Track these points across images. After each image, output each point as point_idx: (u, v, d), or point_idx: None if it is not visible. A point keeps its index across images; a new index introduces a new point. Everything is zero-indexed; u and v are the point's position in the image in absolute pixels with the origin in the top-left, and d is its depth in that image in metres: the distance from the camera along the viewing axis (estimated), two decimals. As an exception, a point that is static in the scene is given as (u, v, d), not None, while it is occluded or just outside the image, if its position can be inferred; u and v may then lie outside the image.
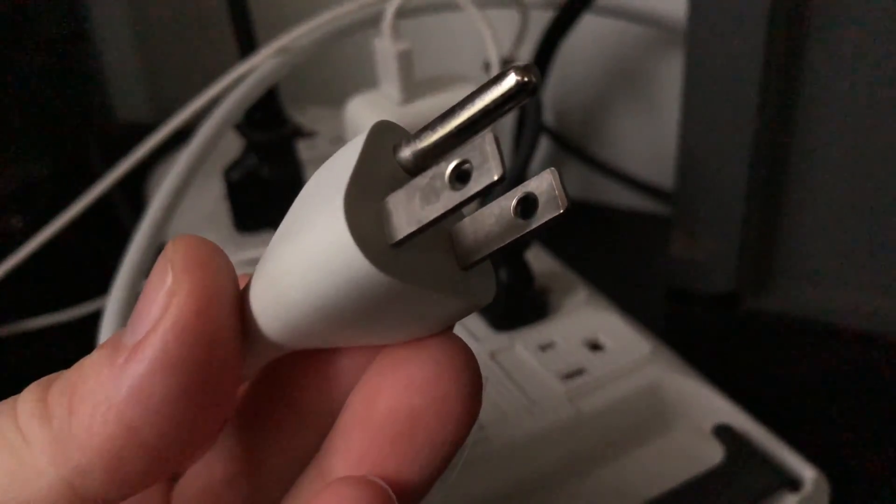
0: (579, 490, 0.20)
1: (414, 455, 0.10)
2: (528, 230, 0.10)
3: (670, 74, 0.37)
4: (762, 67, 0.26)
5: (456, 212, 0.09)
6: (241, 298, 0.10)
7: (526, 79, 0.09)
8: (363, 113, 0.27)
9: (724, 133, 0.27)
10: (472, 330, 0.23)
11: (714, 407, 0.21)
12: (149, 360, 0.09)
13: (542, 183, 0.10)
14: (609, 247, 0.36)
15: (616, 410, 0.21)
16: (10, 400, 0.10)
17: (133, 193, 0.34)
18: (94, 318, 0.30)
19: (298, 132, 0.29)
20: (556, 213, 0.10)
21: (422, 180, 0.10)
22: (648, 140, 0.40)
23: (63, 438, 0.10)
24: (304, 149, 0.35)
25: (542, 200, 0.10)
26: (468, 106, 0.09)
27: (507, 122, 0.35)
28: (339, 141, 0.35)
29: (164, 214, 0.23)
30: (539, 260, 0.26)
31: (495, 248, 0.10)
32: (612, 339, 0.23)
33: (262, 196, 0.29)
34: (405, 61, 0.25)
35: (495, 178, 0.09)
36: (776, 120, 0.27)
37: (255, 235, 0.30)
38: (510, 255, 0.23)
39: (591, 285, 0.25)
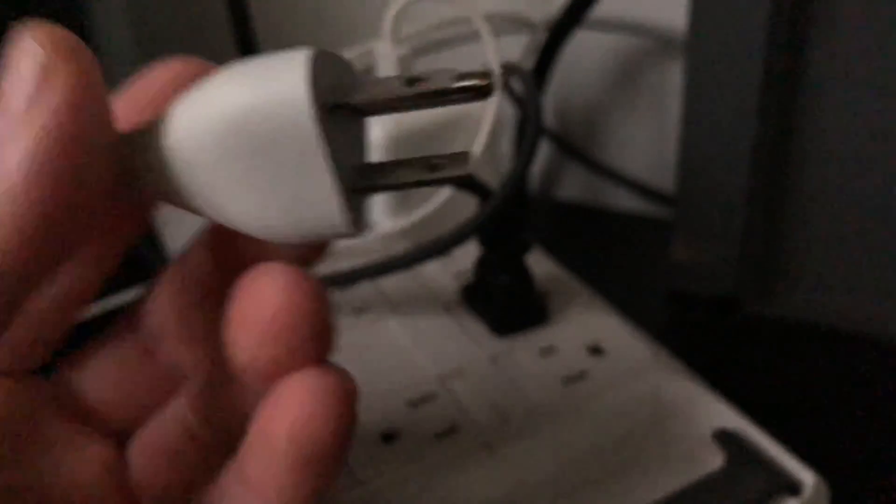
0: (579, 496, 0.20)
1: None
2: (426, 179, 0.11)
3: (671, 79, 0.37)
4: (762, 73, 0.26)
5: (396, 105, 0.11)
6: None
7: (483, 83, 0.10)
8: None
9: (725, 138, 0.27)
10: (473, 335, 0.23)
11: (714, 411, 0.21)
12: (43, 134, 0.09)
13: (458, 156, 0.11)
14: (610, 250, 0.36)
15: (617, 415, 0.21)
16: None
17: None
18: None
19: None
20: (460, 174, 0.11)
21: (377, 79, 0.11)
22: (650, 144, 0.40)
23: None
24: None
25: (448, 165, 0.11)
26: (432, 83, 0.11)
27: (508, 124, 0.35)
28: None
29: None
30: (539, 264, 0.27)
31: (394, 183, 0.11)
32: (613, 344, 0.23)
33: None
34: (406, 66, 0.26)
35: (446, 87, 0.10)
36: (776, 125, 0.27)
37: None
38: (510, 260, 0.24)
39: (592, 289, 0.25)
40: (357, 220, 0.11)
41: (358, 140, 0.12)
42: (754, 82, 0.26)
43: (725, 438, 0.20)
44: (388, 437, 0.20)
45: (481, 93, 0.10)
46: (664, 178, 0.38)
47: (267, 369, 0.11)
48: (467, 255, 0.27)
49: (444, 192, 0.25)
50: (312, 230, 0.11)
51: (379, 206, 0.28)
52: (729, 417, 0.21)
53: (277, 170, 0.10)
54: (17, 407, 0.12)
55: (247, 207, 0.10)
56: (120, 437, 0.13)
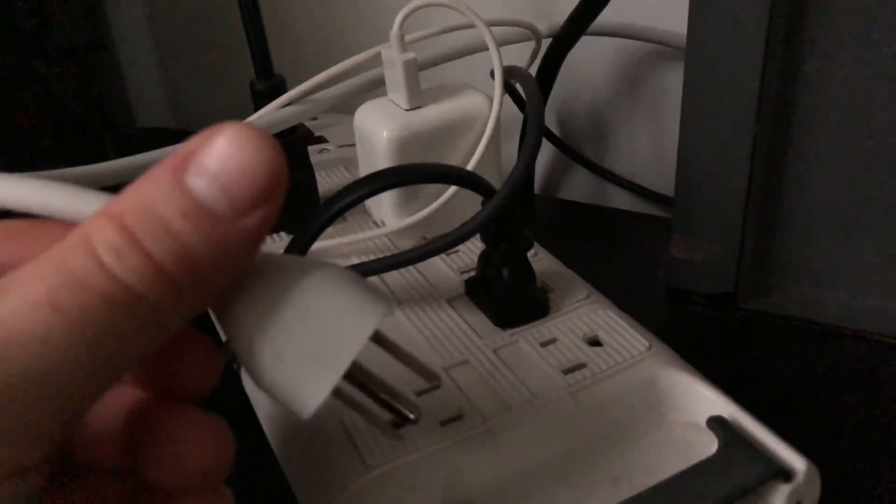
0: (579, 480, 0.20)
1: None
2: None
3: (672, 84, 0.38)
4: (759, 77, 0.26)
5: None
6: None
7: None
8: (372, 119, 0.28)
9: (723, 139, 0.28)
10: (477, 327, 0.24)
11: (709, 400, 0.21)
12: (249, 234, 0.11)
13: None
14: (610, 247, 0.37)
15: (615, 404, 0.21)
16: (75, 239, 0.11)
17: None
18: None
19: (311, 137, 0.30)
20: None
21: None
22: (650, 147, 0.41)
23: (190, 290, 0.12)
24: (313, 154, 0.36)
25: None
26: None
27: (513, 125, 0.36)
28: (348, 146, 0.36)
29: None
30: (541, 260, 0.27)
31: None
32: (611, 336, 0.23)
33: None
34: (411, 70, 0.26)
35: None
36: (773, 128, 0.28)
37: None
38: (513, 256, 0.24)
39: (591, 285, 0.26)
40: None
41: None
42: (751, 87, 0.27)
43: (720, 426, 0.21)
44: (396, 424, 0.21)
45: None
46: (664, 179, 0.39)
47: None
48: (471, 251, 0.28)
49: (450, 191, 0.26)
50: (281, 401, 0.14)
51: (386, 205, 0.28)
52: (723, 406, 0.21)
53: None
54: None
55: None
56: None
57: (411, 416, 0.16)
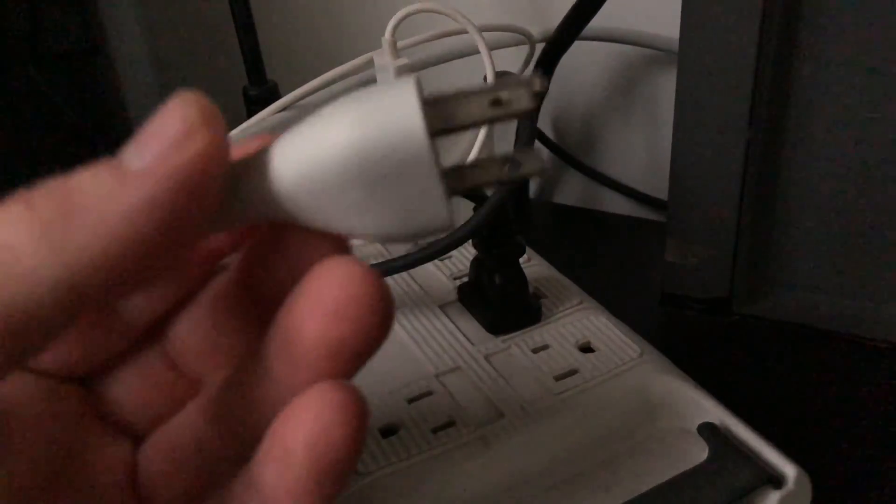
0: (570, 486, 0.20)
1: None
2: (508, 176, 0.12)
3: (665, 89, 0.38)
4: (752, 82, 0.26)
5: (487, 123, 0.12)
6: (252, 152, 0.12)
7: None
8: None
9: (717, 144, 0.28)
10: (469, 333, 0.24)
11: (700, 407, 0.21)
12: (168, 178, 0.11)
13: (528, 150, 0.12)
14: (605, 252, 0.37)
15: (606, 410, 0.22)
16: None
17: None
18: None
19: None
20: (536, 171, 0.12)
21: (464, 99, 0.12)
22: (644, 151, 0.41)
23: (58, 240, 0.10)
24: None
25: (522, 159, 0.12)
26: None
27: (507, 131, 0.36)
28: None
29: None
30: (533, 266, 0.27)
31: (480, 182, 0.12)
32: (603, 342, 0.24)
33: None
34: (403, 75, 0.26)
35: (527, 106, 0.12)
36: (765, 133, 0.28)
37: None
38: (505, 262, 0.24)
39: (586, 289, 0.26)
40: (452, 217, 0.12)
41: (440, 148, 0.13)
42: (744, 91, 0.27)
43: (710, 432, 0.21)
44: (388, 431, 0.21)
45: (542, 97, 0.12)
46: (658, 183, 0.39)
47: (332, 347, 0.11)
48: (464, 256, 0.28)
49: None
50: (420, 231, 0.12)
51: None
52: (714, 412, 0.21)
53: (394, 189, 0.11)
54: (55, 409, 0.13)
55: (364, 221, 0.12)
56: (139, 443, 0.14)
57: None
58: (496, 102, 0.12)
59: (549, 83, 0.12)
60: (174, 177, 0.11)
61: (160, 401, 0.14)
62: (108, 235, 0.10)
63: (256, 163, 0.12)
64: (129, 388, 0.14)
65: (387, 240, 0.12)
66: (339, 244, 0.13)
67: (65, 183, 0.11)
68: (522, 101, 0.12)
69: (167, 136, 0.11)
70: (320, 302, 0.11)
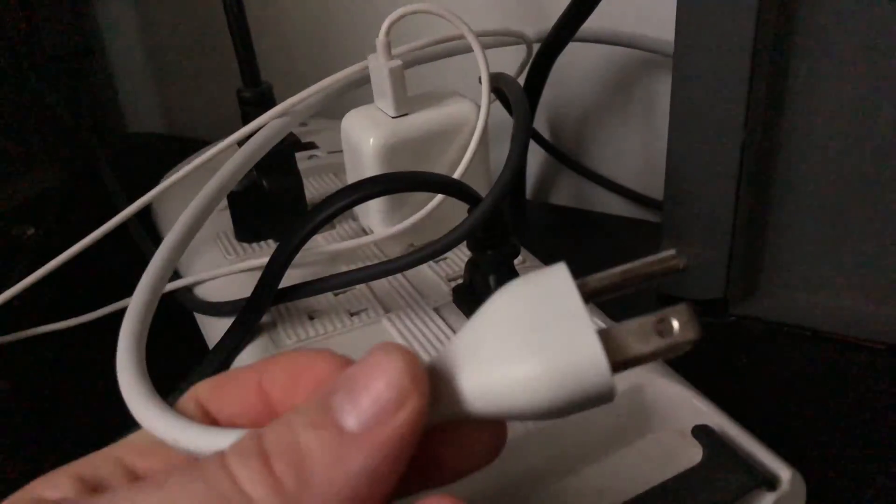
0: (564, 488, 0.20)
1: None
2: (664, 346, 0.13)
3: (660, 90, 0.38)
4: (747, 83, 0.26)
5: (659, 356, 0.13)
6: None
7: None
8: (358, 126, 0.28)
9: (712, 145, 0.28)
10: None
11: (694, 409, 0.21)
12: (385, 444, 0.12)
13: (680, 312, 0.13)
14: (600, 252, 0.37)
15: (600, 412, 0.21)
16: (214, 457, 0.12)
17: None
18: (105, 323, 0.31)
19: (298, 144, 0.30)
20: (691, 339, 0.13)
21: (632, 324, 0.13)
22: (640, 152, 0.41)
23: (294, 501, 0.12)
24: (303, 160, 0.36)
25: (679, 323, 0.13)
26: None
27: (503, 131, 0.36)
28: (337, 153, 0.36)
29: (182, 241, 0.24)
30: (528, 267, 0.27)
31: (641, 359, 0.13)
32: (598, 344, 0.23)
33: (262, 207, 0.30)
34: (397, 77, 0.26)
35: (694, 337, 0.13)
36: (762, 133, 0.28)
37: (255, 245, 0.31)
38: (500, 263, 0.24)
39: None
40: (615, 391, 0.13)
41: None
42: (739, 93, 0.27)
43: (704, 434, 0.21)
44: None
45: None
46: (653, 184, 0.39)
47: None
48: (459, 258, 0.28)
49: (436, 199, 0.26)
50: (588, 408, 0.13)
51: (374, 213, 0.28)
52: (708, 414, 0.21)
53: (573, 406, 0.13)
54: None
55: (539, 420, 0.13)
56: None
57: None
58: (663, 332, 0.13)
59: (684, 259, 0.13)
60: (390, 442, 0.12)
61: None
62: (335, 496, 0.12)
63: (443, 387, 0.13)
64: None
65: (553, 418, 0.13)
66: (502, 429, 0.14)
67: (296, 444, 0.12)
68: (689, 332, 0.12)
69: (381, 400, 0.12)
70: None
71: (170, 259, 0.23)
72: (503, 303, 0.13)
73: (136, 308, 0.21)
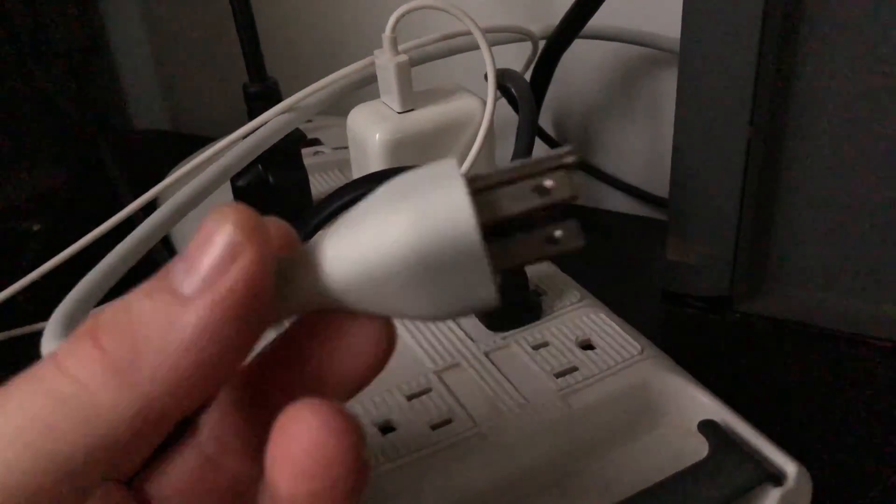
0: (570, 483, 0.20)
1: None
2: (549, 253, 0.12)
3: (666, 87, 0.38)
4: (753, 81, 0.26)
5: (533, 212, 0.12)
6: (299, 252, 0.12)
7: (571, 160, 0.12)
8: (364, 121, 0.28)
9: (717, 142, 0.28)
10: (469, 330, 0.24)
11: (700, 404, 0.21)
12: (221, 301, 0.11)
13: (568, 226, 0.12)
14: (606, 250, 0.37)
15: (606, 407, 0.21)
16: (46, 359, 0.12)
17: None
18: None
19: (304, 139, 0.30)
20: (567, 196, 0.12)
21: (510, 189, 0.12)
22: (645, 149, 0.41)
23: (129, 375, 0.11)
24: (309, 156, 0.36)
25: (563, 237, 0.12)
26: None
27: (509, 127, 0.36)
28: (343, 148, 0.36)
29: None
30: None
31: (522, 261, 0.13)
32: (604, 340, 0.23)
33: (268, 202, 0.30)
34: (404, 72, 0.26)
35: (571, 194, 0.12)
36: (768, 130, 0.28)
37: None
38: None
39: (584, 288, 0.26)
40: (500, 294, 0.12)
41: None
42: (745, 90, 0.27)
43: (710, 429, 0.21)
44: (387, 428, 0.21)
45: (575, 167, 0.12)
46: (659, 182, 0.39)
47: (305, 500, 0.12)
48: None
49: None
50: (469, 310, 0.13)
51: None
52: (714, 409, 0.21)
53: (447, 278, 0.12)
54: None
55: (415, 307, 0.12)
56: None
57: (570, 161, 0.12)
58: (542, 191, 0.12)
59: (578, 154, 0.12)
60: (226, 300, 0.11)
61: (203, 495, 0.14)
62: (173, 364, 0.11)
63: (306, 261, 0.12)
64: (171, 485, 0.14)
65: (434, 319, 0.13)
66: (383, 327, 0.13)
67: (127, 315, 0.11)
68: (565, 190, 0.12)
69: (213, 259, 0.11)
70: (289, 459, 0.11)
71: (151, 231, 0.23)
72: (380, 189, 0.12)
73: (102, 265, 0.21)
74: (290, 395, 0.12)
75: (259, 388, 0.14)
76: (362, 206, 0.12)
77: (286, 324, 0.14)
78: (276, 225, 0.13)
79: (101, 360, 0.11)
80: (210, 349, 0.11)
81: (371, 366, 0.13)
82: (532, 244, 0.12)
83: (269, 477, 0.12)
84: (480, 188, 0.12)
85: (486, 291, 0.12)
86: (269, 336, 0.13)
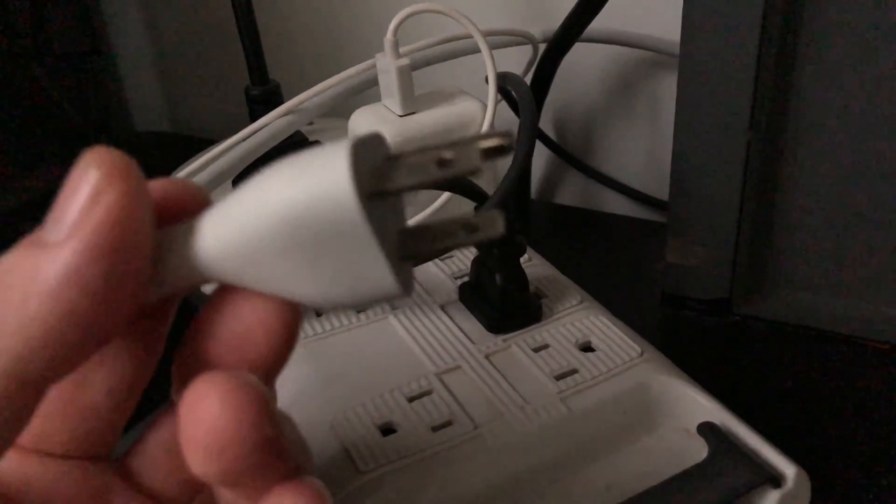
0: (570, 485, 0.21)
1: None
2: (465, 241, 0.12)
3: (666, 90, 0.38)
4: (753, 82, 0.26)
5: (431, 187, 0.11)
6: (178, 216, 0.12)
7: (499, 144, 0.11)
8: (365, 124, 0.28)
9: (717, 145, 0.28)
10: (469, 333, 0.24)
11: (699, 406, 0.22)
12: (85, 243, 0.10)
13: (490, 217, 0.11)
14: (606, 252, 0.37)
15: (606, 409, 0.22)
16: None
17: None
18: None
19: (304, 141, 0.31)
20: (494, 235, 0.11)
21: (409, 158, 0.11)
22: (645, 152, 0.41)
23: None
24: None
25: (483, 226, 0.12)
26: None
27: (509, 125, 0.36)
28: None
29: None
30: (534, 266, 0.27)
31: (435, 249, 0.12)
32: (604, 342, 0.24)
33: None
34: (405, 76, 0.27)
35: (476, 165, 0.11)
36: (767, 133, 0.28)
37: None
38: (506, 261, 0.24)
39: (587, 289, 0.26)
40: (406, 284, 0.12)
41: (395, 209, 0.12)
42: (745, 93, 0.27)
43: (709, 431, 0.21)
44: (388, 430, 0.21)
45: (502, 151, 0.11)
46: (659, 184, 0.39)
47: (222, 483, 0.11)
48: (465, 256, 0.28)
49: (443, 196, 0.26)
50: (367, 297, 0.12)
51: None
52: (714, 412, 0.21)
53: (330, 253, 0.11)
54: (89, 486, 0.13)
55: (304, 288, 0.11)
56: None
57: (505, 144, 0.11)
58: (442, 163, 0.11)
59: (509, 138, 0.11)
60: (91, 241, 0.10)
61: (183, 465, 0.14)
62: (38, 315, 0.10)
63: (186, 229, 0.12)
64: (154, 459, 0.14)
65: (333, 306, 0.12)
66: (278, 307, 0.12)
67: None
68: (473, 160, 0.11)
69: (78, 203, 0.10)
70: (193, 439, 0.11)
71: None
72: (271, 167, 0.12)
73: None
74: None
75: (191, 362, 0.13)
76: (248, 181, 0.11)
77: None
78: (185, 184, 0.13)
79: None
80: (78, 300, 0.10)
81: (272, 346, 0.12)
82: (447, 232, 0.12)
83: (186, 460, 0.11)
84: (378, 161, 0.11)
85: (381, 275, 0.11)
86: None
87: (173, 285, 0.12)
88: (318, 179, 0.10)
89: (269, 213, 0.11)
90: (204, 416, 0.11)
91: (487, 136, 0.11)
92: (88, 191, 0.11)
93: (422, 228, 0.12)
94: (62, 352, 0.11)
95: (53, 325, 0.10)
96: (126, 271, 0.11)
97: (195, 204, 0.12)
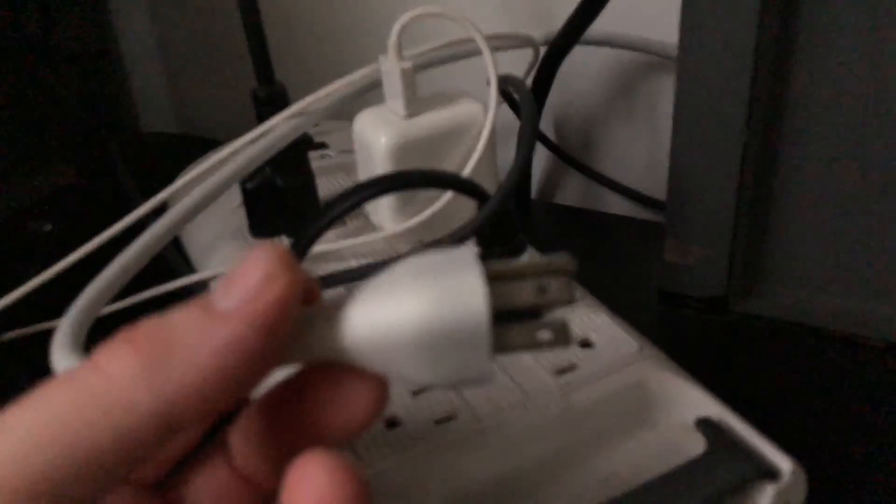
0: (569, 479, 0.21)
1: None
2: (537, 346, 0.14)
3: (664, 92, 0.39)
4: (749, 83, 0.27)
5: (530, 311, 0.14)
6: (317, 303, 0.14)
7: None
8: (370, 125, 0.28)
9: (714, 146, 0.28)
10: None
11: (697, 402, 0.22)
12: (252, 318, 0.12)
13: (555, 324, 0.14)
14: (604, 251, 0.37)
15: (604, 404, 0.22)
16: (84, 363, 0.12)
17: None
18: (121, 318, 0.32)
19: (311, 143, 0.31)
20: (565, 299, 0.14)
21: (516, 284, 0.13)
22: (644, 153, 0.41)
23: (157, 375, 0.12)
24: (315, 159, 0.37)
25: (551, 336, 0.14)
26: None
27: (511, 132, 0.37)
28: (348, 153, 0.37)
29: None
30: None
31: (516, 348, 0.14)
32: (602, 338, 0.24)
33: (276, 204, 0.30)
34: (409, 78, 0.27)
35: (566, 299, 0.14)
36: (763, 133, 0.28)
37: (270, 241, 0.31)
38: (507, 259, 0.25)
39: (583, 287, 0.27)
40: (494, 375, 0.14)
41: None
42: (741, 94, 0.27)
43: (707, 426, 0.21)
44: (392, 423, 0.21)
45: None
46: (657, 184, 0.39)
47: None
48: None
49: (446, 196, 0.27)
50: (467, 384, 0.14)
51: (384, 210, 0.29)
52: (711, 407, 0.22)
53: (451, 355, 0.13)
54: None
55: (417, 375, 0.14)
56: None
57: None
58: (541, 290, 0.14)
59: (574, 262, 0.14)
60: (257, 317, 0.12)
61: None
62: (200, 369, 0.12)
63: (331, 315, 0.14)
64: (200, 493, 0.15)
65: (428, 387, 0.14)
66: (377, 386, 0.14)
67: (163, 323, 0.12)
68: (564, 294, 0.14)
69: (251, 282, 0.12)
70: None
71: (165, 232, 0.24)
72: (405, 261, 0.14)
73: (114, 265, 0.22)
74: (294, 433, 0.14)
75: (272, 418, 0.15)
76: (384, 277, 0.14)
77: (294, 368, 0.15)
78: (309, 276, 0.14)
79: (134, 358, 0.12)
80: (235, 362, 0.12)
81: (362, 420, 0.14)
82: (524, 335, 0.14)
83: None
84: (490, 279, 0.13)
85: (483, 370, 0.13)
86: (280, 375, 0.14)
87: (300, 360, 0.14)
88: (460, 301, 0.13)
89: (414, 325, 0.13)
90: (313, 492, 0.12)
91: (564, 263, 0.14)
92: (261, 275, 0.12)
93: (508, 334, 0.13)
94: (209, 404, 0.12)
95: (211, 380, 0.12)
96: (275, 345, 0.13)
97: (311, 296, 0.14)
